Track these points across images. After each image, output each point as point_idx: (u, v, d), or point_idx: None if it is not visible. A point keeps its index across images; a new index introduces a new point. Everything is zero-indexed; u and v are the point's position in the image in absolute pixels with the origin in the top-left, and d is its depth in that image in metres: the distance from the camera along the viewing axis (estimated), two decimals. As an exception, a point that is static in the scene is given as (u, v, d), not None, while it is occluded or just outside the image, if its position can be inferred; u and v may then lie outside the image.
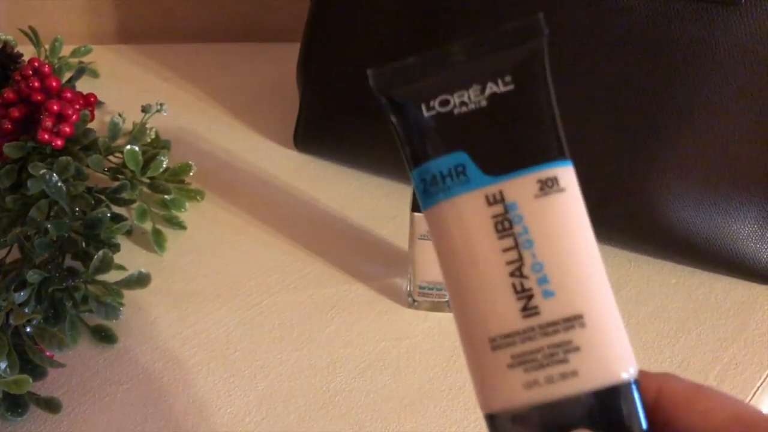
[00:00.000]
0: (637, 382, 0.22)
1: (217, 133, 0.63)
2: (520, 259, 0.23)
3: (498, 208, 0.23)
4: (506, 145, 0.24)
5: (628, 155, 0.50)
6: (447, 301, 0.49)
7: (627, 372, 0.22)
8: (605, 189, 0.50)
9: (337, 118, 0.58)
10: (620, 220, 0.51)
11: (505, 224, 0.23)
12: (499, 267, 0.23)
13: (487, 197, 0.23)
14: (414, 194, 0.44)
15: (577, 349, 0.22)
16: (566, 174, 0.23)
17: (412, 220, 0.45)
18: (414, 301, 0.49)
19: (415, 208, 0.44)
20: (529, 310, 0.22)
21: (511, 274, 0.23)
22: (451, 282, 0.24)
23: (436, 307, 0.49)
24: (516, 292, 0.23)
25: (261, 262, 0.52)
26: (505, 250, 0.23)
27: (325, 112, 0.59)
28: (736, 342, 0.47)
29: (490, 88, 0.24)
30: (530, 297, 0.22)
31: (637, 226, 0.51)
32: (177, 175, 0.55)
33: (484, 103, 0.24)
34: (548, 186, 0.23)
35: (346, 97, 0.57)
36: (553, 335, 0.22)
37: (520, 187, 0.23)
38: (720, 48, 0.46)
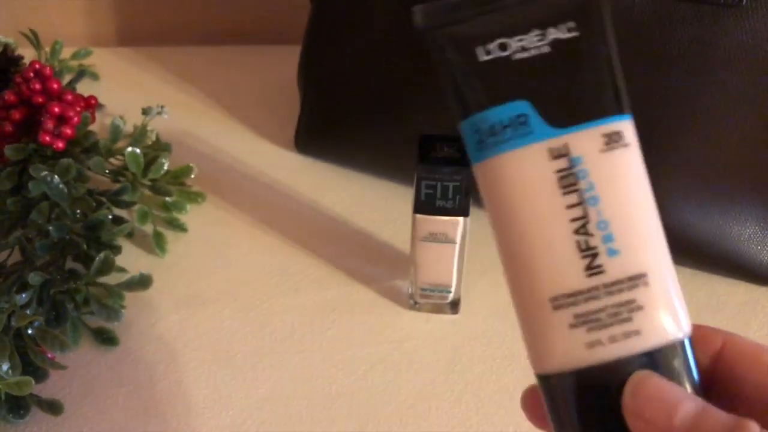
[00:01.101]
0: (690, 338, 0.22)
1: (219, 136, 0.63)
2: (586, 216, 0.22)
3: (563, 162, 0.22)
4: (571, 95, 0.22)
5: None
6: (449, 303, 0.49)
7: (683, 330, 0.22)
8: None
9: (338, 120, 0.58)
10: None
11: (570, 179, 0.22)
12: (564, 224, 0.22)
13: (551, 150, 0.22)
14: (416, 196, 0.44)
15: (641, 308, 0.22)
16: (629, 129, 0.23)
17: (414, 222, 0.45)
18: (416, 303, 0.49)
19: (417, 209, 0.44)
20: (594, 269, 0.22)
21: (576, 232, 0.22)
22: (509, 240, 0.23)
23: (437, 308, 0.49)
24: (580, 250, 0.22)
25: (262, 265, 0.52)
26: (570, 206, 0.22)
27: (326, 114, 0.59)
28: (737, 344, 0.47)
29: (553, 33, 0.22)
30: (595, 255, 0.22)
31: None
32: (178, 177, 0.55)
33: (546, 49, 0.22)
34: (614, 140, 0.22)
35: (348, 99, 0.57)
36: (618, 294, 0.22)
37: (586, 140, 0.22)
38: (721, 50, 0.46)
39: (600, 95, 0.23)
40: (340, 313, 0.49)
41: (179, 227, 0.53)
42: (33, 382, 0.39)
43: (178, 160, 0.57)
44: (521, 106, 0.22)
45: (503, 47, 0.22)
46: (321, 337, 0.47)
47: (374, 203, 0.57)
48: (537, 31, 0.22)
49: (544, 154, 0.22)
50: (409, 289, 0.49)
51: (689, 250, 0.51)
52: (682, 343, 0.22)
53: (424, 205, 0.44)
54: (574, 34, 0.22)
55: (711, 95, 0.47)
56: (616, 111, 0.23)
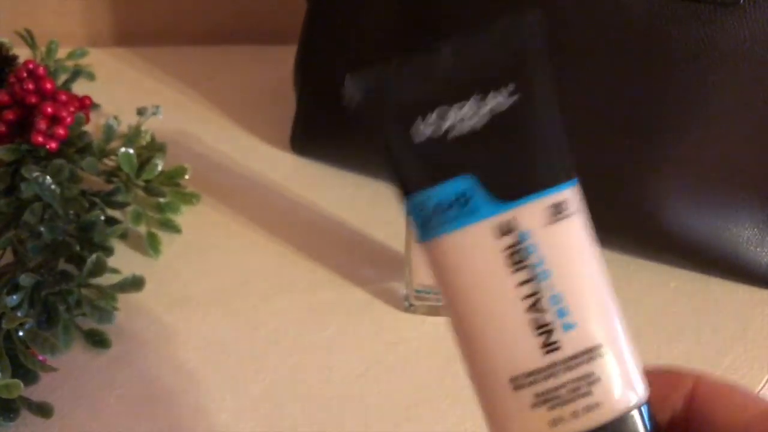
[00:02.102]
0: (648, 401, 0.22)
1: (213, 136, 0.63)
2: (538, 292, 0.21)
3: (510, 239, 0.21)
4: (515, 166, 0.21)
5: (626, 159, 0.49)
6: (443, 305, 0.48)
7: (639, 395, 0.22)
8: (604, 193, 0.50)
9: (333, 121, 0.58)
10: (620, 223, 0.50)
11: (519, 256, 0.21)
12: (516, 303, 0.21)
13: (498, 227, 0.21)
14: None
15: (598, 380, 0.21)
16: (575, 195, 0.22)
17: (408, 224, 0.45)
18: (411, 305, 0.49)
19: None
20: (550, 346, 0.21)
21: (529, 309, 0.21)
22: (462, 322, 0.22)
23: (432, 311, 0.49)
24: (535, 327, 0.21)
25: (257, 266, 0.51)
26: (521, 283, 0.21)
27: (321, 114, 0.59)
28: (736, 346, 0.47)
29: (492, 99, 0.21)
30: (550, 332, 0.21)
31: (637, 230, 0.51)
32: (172, 178, 0.54)
33: (486, 117, 0.21)
34: (560, 211, 0.21)
35: (341, 99, 0.57)
36: (576, 369, 0.21)
37: (532, 213, 0.21)
38: (719, 50, 0.45)
39: (544, 164, 0.22)
40: (334, 315, 0.48)
41: (173, 228, 0.53)
42: (22, 385, 0.39)
43: (172, 161, 0.56)
44: (464, 183, 0.21)
45: (442, 118, 0.21)
46: (316, 339, 0.47)
47: (370, 204, 0.57)
48: (476, 98, 0.21)
49: (491, 232, 0.21)
50: (404, 291, 0.49)
51: (687, 252, 0.50)
52: (639, 409, 0.22)
53: None
54: (514, 98, 0.21)
55: (708, 96, 0.47)
56: (562, 178, 0.22)
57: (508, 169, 0.21)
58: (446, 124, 0.21)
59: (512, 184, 0.21)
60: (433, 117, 0.21)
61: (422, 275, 0.47)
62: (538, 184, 0.21)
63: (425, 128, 0.21)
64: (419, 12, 0.52)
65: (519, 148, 0.21)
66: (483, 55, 0.21)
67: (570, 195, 0.22)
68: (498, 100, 0.21)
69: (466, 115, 0.21)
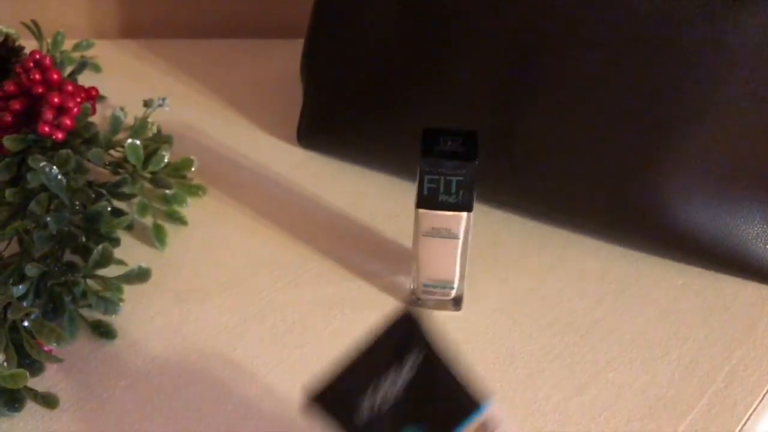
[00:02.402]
0: None
1: (220, 129, 0.63)
2: None
3: None
4: (440, 408, 0.30)
5: (636, 156, 0.49)
6: (451, 300, 0.48)
7: None
8: (614, 190, 0.50)
9: (340, 114, 0.58)
10: (629, 220, 0.50)
11: None
12: None
13: None
14: (418, 191, 0.43)
15: None
16: (494, 413, 0.30)
17: (416, 217, 0.44)
18: (418, 299, 0.48)
19: (420, 204, 0.43)
20: None
21: None
22: None
23: (440, 305, 0.48)
24: None
25: (263, 259, 0.51)
26: None
27: (328, 107, 0.58)
28: (744, 343, 0.46)
29: (405, 367, 0.30)
30: None
31: (646, 226, 0.50)
32: (179, 170, 0.54)
33: (405, 382, 0.30)
34: (487, 428, 0.30)
35: (350, 93, 0.57)
36: None
37: None
38: (729, 46, 0.45)
39: (462, 397, 0.30)
40: (341, 309, 0.48)
41: (179, 220, 0.53)
42: (28, 374, 0.39)
43: (179, 153, 0.56)
44: None
45: (375, 391, 0.30)
46: (322, 333, 0.46)
47: (377, 198, 0.57)
48: (395, 369, 0.30)
49: None
50: (411, 285, 0.48)
51: (696, 249, 0.50)
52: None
53: (426, 200, 0.43)
54: (419, 363, 0.31)
55: (718, 92, 0.46)
56: (479, 404, 0.30)
57: (437, 412, 0.30)
58: (379, 396, 0.30)
59: (445, 422, 0.29)
60: (369, 393, 0.30)
61: (429, 269, 0.46)
62: (462, 415, 0.29)
63: (364, 410, 0.30)
64: (421, 4, 0.52)
65: (437, 394, 0.30)
66: (389, 343, 0.31)
67: (490, 413, 0.29)
68: (409, 367, 0.30)
69: (391, 383, 0.30)
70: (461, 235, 0.44)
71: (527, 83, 0.50)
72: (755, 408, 0.42)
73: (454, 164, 0.42)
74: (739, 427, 0.41)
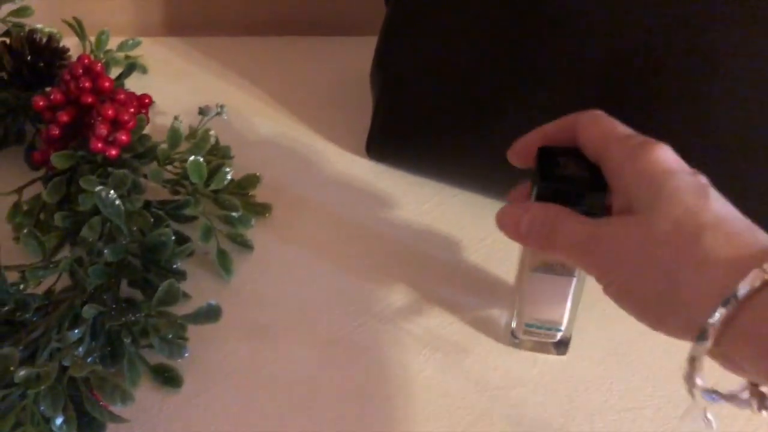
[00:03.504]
0: None
1: (280, 139, 0.57)
2: None
3: None
4: None
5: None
6: (555, 342, 0.42)
7: None
8: None
9: (417, 126, 0.52)
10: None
11: None
12: None
13: None
14: None
15: None
16: None
17: (524, 249, 0.39)
18: (516, 338, 0.43)
19: None
20: None
21: None
22: None
23: (541, 347, 0.43)
24: None
25: (339, 289, 0.46)
26: None
27: (403, 117, 0.52)
28: None
29: None
30: None
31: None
32: (243, 188, 0.49)
33: None
34: None
35: (427, 101, 0.51)
36: None
37: None
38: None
39: None
40: (431, 350, 0.43)
41: (245, 245, 0.47)
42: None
43: (236, 167, 0.50)
44: None
45: None
46: (413, 380, 0.41)
47: (459, 219, 0.51)
48: None
49: None
50: (512, 323, 0.42)
51: None
52: None
53: None
54: None
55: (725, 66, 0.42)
56: None
57: None
58: None
59: None
60: None
61: (535, 309, 0.41)
62: None
63: None
64: (516, 15, 0.46)
65: None
66: None
67: None
68: None
69: None
70: (577, 273, 0.39)
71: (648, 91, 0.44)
72: None
73: (577, 190, 0.35)
74: None
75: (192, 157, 0.45)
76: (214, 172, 0.47)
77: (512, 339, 0.43)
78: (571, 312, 0.40)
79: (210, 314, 0.41)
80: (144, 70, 0.63)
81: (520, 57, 0.47)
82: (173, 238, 0.42)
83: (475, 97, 0.49)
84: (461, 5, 0.48)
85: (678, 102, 0.44)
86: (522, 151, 0.37)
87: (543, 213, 0.34)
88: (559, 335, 0.42)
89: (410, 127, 0.52)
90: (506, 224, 0.35)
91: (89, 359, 0.38)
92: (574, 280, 0.39)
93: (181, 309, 0.41)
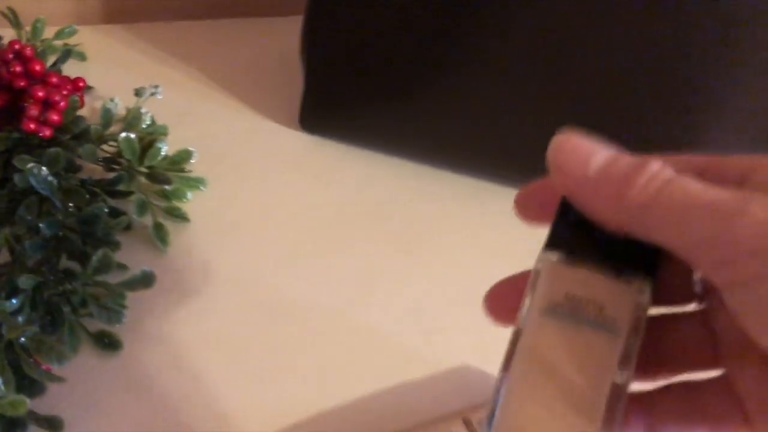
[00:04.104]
0: None
1: (217, 115, 0.59)
2: None
3: None
4: None
5: (662, 132, 0.46)
6: None
7: None
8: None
9: (344, 97, 0.54)
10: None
11: None
12: None
13: None
14: (553, 227, 0.24)
15: None
16: None
17: (540, 273, 0.23)
18: None
19: (552, 243, 0.23)
20: None
21: None
22: None
23: None
24: None
25: (272, 254, 0.48)
26: None
27: (332, 88, 0.55)
28: None
29: None
30: None
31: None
32: (177, 163, 0.51)
33: None
34: None
35: (354, 74, 0.53)
36: None
37: None
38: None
39: None
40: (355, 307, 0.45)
41: (181, 217, 0.49)
42: (28, 402, 0.35)
43: (175, 144, 0.52)
44: None
45: None
46: (339, 332, 0.43)
47: (391, 185, 0.53)
48: None
49: None
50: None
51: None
52: None
53: (565, 234, 0.23)
54: None
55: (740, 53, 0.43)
56: None
57: None
58: None
59: None
60: None
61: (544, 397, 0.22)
62: None
63: None
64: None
65: None
66: None
67: None
68: None
69: None
70: (624, 328, 0.22)
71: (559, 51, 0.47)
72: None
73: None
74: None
75: (124, 134, 0.47)
76: (148, 148, 0.49)
77: None
78: (610, 411, 0.21)
79: (145, 280, 0.43)
80: (83, 57, 0.64)
81: (439, 26, 0.49)
82: (107, 211, 0.44)
83: (397, 69, 0.51)
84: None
85: (588, 96, 0.46)
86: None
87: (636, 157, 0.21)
88: None
89: (339, 99, 0.55)
90: (570, 151, 0.22)
91: (29, 333, 0.40)
92: (622, 342, 0.22)
93: (120, 280, 0.43)
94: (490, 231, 0.51)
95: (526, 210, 0.24)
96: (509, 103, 0.50)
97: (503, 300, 0.24)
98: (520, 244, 0.48)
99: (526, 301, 0.23)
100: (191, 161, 0.51)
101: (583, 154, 0.21)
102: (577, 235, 0.23)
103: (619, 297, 0.22)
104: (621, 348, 0.22)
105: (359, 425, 0.39)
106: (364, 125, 0.55)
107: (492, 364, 0.40)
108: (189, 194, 0.51)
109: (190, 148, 0.51)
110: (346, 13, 0.52)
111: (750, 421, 0.22)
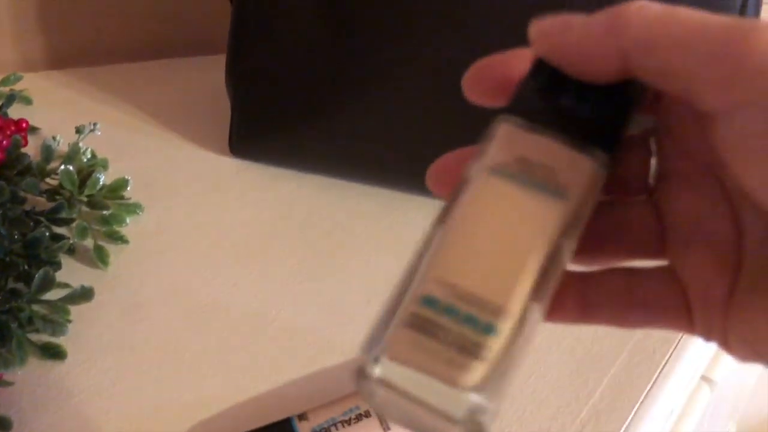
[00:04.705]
0: None
1: (153, 147, 0.64)
2: None
3: None
4: None
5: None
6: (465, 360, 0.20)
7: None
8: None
9: (269, 120, 0.60)
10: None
11: None
12: None
13: None
14: (516, 92, 0.23)
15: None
16: None
17: (494, 134, 0.22)
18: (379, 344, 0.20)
19: (512, 105, 0.22)
20: None
21: None
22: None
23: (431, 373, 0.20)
24: None
25: (203, 269, 0.53)
26: None
27: (256, 115, 0.60)
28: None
29: None
30: None
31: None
32: (115, 191, 0.56)
33: None
34: None
35: (278, 98, 0.59)
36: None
37: None
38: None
39: None
40: (281, 309, 0.50)
41: (120, 239, 0.54)
42: (-22, 399, 0.40)
43: (116, 175, 0.57)
44: None
45: None
46: (265, 332, 0.48)
47: (314, 202, 0.59)
48: None
49: None
50: (398, 306, 0.21)
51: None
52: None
53: (528, 97, 0.22)
54: None
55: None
56: None
57: None
58: None
59: None
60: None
61: (469, 256, 0.20)
62: None
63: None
64: (334, 13, 0.54)
65: None
66: None
67: None
68: None
69: None
70: (573, 196, 0.21)
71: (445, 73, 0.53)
72: (671, 353, 0.45)
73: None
74: (657, 372, 0.45)
75: (63, 167, 0.52)
76: (87, 178, 0.54)
77: (374, 348, 0.20)
78: (536, 286, 0.20)
79: (84, 295, 0.47)
80: (28, 101, 0.69)
81: (343, 54, 0.55)
82: (48, 234, 0.49)
83: (313, 95, 0.57)
84: (288, 18, 0.56)
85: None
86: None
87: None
88: (489, 344, 0.19)
89: (263, 125, 0.60)
90: (553, 19, 0.21)
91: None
92: (563, 209, 0.21)
93: (62, 296, 0.48)
94: (405, 237, 0.57)
95: (477, 84, 0.23)
96: (418, 121, 0.56)
97: (448, 172, 0.23)
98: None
99: (474, 162, 0.22)
100: (128, 189, 0.56)
101: (567, 18, 0.21)
102: (541, 100, 0.22)
103: (575, 166, 0.21)
104: (567, 215, 0.21)
105: (285, 405, 0.44)
106: (288, 147, 0.60)
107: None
108: (127, 219, 0.56)
109: (127, 177, 0.56)
110: (263, 48, 0.58)
111: (690, 310, 0.22)
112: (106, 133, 0.62)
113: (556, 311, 0.23)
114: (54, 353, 0.46)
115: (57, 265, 0.49)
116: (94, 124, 0.60)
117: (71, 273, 0.52)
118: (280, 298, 0.51)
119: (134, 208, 0.56)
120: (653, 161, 0.24)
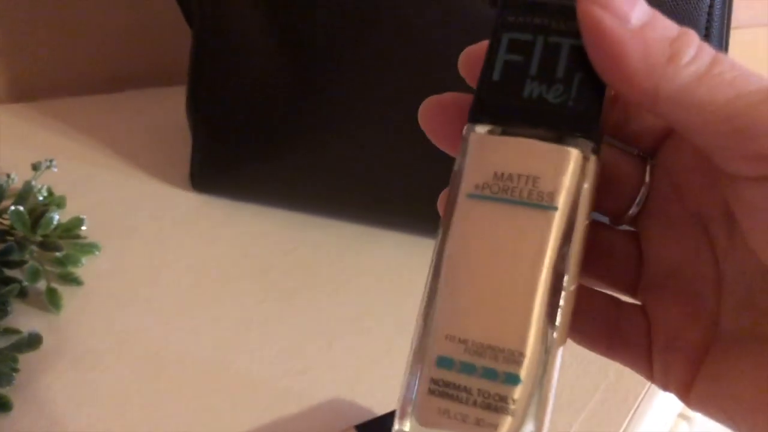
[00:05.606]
0: None
1: (113, 182, 0.63)
2: None
3: None
4: None
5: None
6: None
7: None
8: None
9: (230, 154, 0.58)
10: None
11: None
12: None
13: None
14: (481, 78, 0.20)
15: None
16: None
17: (467, 146, 0.20)
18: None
19: (474, 112, 0.20)
20: None
21: None
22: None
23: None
24: None
25: (160, 311, 0.51)
26: None
27: (217, 148, 0.59)
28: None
29: None
30: None
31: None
32: (70, 230, 0.54)
33: None
34: None
35: (236, 133, 0.58)
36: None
37: None
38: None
39: None
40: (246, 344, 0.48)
41: (74, 281, 0.52)
42: None
43: (74, 212, 0.55)
44: None
45: None
46: (222, 381, 0.47)
47: (274, 234, 0.57)
48: None
49: None
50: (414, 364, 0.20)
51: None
52: None
53: (495, 93, 0.20)
54: None
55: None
56: None
57: None
58: None
59: None
60: None
61: (467, 305, 0.19)
62: None
63: None
64: (289, 47, 0.53)
65: None
66: None
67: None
68: None
69: None
70: (563, 202, 0.19)
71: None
72: (643, 396, 0.44)
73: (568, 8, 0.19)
74: (629, 417, 0.43)
75: (12, 207, 0.51)
76: (40, 218, 0.52)
77: (405, 414, 0.20)
78: (546, 315, 0.19)
79: (31, 342, 0.45)
80: (-13, 137, 0.67)
81: (302, 85, 0.54)
82: (-3, 280, 0.47)
83: (272, 129, 0.56)
84: (246, 50, 0.55)
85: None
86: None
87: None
88: (514, 395, 0.18)
89: (224, 159, 0.59)
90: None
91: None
92: (555, 221, 0.19)
93: (8, 344, 0.46)
94: (366, 274, 0.55)
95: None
96: (381, 152, 0.54)
97: (444, 109, 0.22)
98: (396, 286, 0.52)
99: (453, 183, 0.20)
100: (83, 228, 0.54)
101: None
102: (505, 96, 0.19)
103: (559, 164, 0.19)
104: (562, 226, 0.19)
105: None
106: (249, 182, 0.59)
107: (361, 396, 0.44)
108: (83, 259, 0.54)
109: (81, 216, 0.54)
110: (222, 81, 0.57)
111: (651, 354, 0.22)
112: (65, 168, 0.60)
113: None
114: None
115: (4, 312, 0.47)
116: (50, 161, 0.58)
117: (22, 318, 0.49)
118: (239, 344, 0.49)
119: (90, 248, 0.54)
120: (643, 190, 0.23)
